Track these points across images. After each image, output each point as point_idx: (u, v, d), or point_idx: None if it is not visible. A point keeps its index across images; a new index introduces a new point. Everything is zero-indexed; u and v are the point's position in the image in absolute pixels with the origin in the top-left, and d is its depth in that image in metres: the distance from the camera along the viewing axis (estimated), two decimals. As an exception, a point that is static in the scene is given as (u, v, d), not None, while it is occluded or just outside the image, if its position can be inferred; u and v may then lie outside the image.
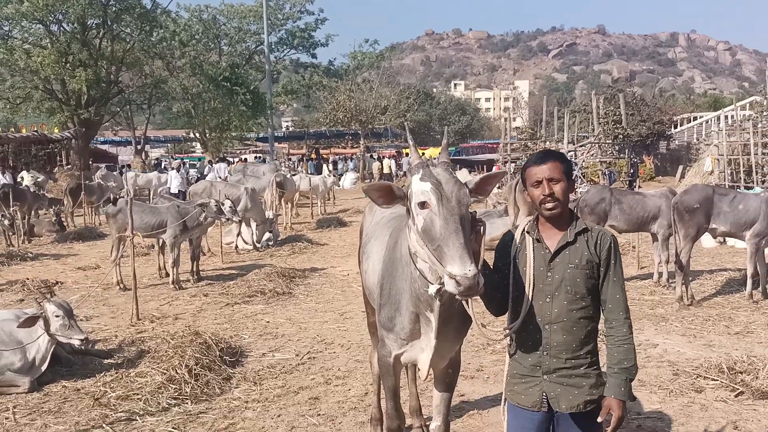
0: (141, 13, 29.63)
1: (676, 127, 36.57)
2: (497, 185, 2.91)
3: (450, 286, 2.42)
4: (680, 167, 29.60)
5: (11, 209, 13.54)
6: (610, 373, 2.67)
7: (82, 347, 5.85)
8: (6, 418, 4.97)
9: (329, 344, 6.82)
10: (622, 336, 2.68)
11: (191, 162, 36.90)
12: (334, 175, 28.33)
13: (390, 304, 3.20)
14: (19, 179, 22.78)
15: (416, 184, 2.64)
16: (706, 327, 7.15)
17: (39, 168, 29.04)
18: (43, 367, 5.65)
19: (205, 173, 28.51)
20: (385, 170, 34.41)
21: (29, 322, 5.55)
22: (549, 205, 2.68)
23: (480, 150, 48.22)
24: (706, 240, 11.68)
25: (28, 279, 9.97)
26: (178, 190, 18.27)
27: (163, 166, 34.75)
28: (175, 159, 38.98)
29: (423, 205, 2.58)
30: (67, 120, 30.25)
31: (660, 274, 9.29)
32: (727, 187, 16.84)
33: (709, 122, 33.98)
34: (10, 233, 13.56)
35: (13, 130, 33.62)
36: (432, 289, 2.69)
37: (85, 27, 29.30)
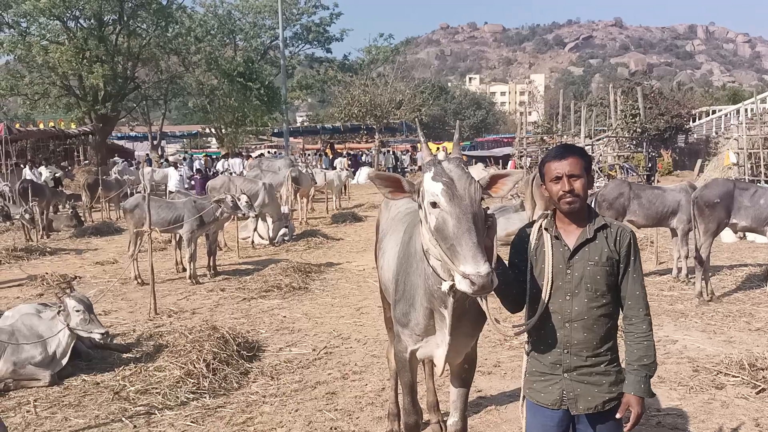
0: (157, 9, 29.77)
1: (694, 121, 36.11)
2: (514, 185, 2.84)
3: (463, 286, 2.41)
4: (699, 161, 29.27)
5: (30, 204, 13.67)
6: (630, 369, 2.65)
7: (102, 341, 5.91)
8: (27, 411, 5.04)
9: (346, 339, 6.83)
10: (642, 333, 2.65)
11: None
12: (347, 169, 28.26)
13: (405, 299, 3.20)
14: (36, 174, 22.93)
15: (428, 184, 2.60)
16: (727, 323, 7.07)
17: (56, 163, 29.32)
18: (64, 361, 5.72)
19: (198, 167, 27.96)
20: None
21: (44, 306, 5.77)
22: (569, 200, 2.64)
23: (495, 144, 47.97)
24: (726, 235, 11.54)
25: (47, 273, 10.07)
26: (176, 189, 16.41)
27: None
28: (174, 154, 37.15)
29: (435, 204, 2.56)
30: (84, 116, 30.51)
31: (679, 270, 9.21)
32: (747, 181, 16.62)
33: (729, 115, 33.54)
34: (31, 227, 13.71)
35: (31, 125, 33.92)
36: (445, 286, 2.67)
37: (101, 23, 29.50)
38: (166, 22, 30.86)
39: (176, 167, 18.20)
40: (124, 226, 13.66)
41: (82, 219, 16.71)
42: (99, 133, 30.31)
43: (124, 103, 33.41)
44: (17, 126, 30.77)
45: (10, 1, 27.52)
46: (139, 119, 42.91)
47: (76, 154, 34.22)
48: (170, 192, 16.28)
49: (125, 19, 29.61)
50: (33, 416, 4.95)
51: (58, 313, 5.69)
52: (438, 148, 34.19)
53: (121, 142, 45.17)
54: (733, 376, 5.35)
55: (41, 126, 32.74)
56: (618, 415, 2.65)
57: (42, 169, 23.80)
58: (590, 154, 23.94)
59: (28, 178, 19.18)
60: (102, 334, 5.67)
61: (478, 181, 2.66)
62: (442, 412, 4.54)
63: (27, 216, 12.68)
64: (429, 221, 2.59)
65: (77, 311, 5.62)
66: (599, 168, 24.46)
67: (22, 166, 23.59)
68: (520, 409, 2.88)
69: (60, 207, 18.16)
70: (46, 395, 5.37)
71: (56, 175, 23.43)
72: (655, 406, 4.82)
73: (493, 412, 4.88)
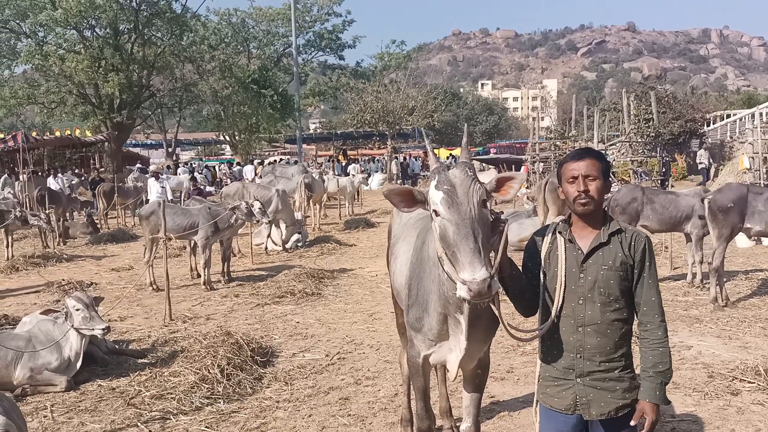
0: (171, 18, 30.00)
1: (708, 125, 35.87)
2: (520, 187, 2.86)
3: (462, 292, 2.44)
4: (713, 166, 29.04)
5: (47, 211, 13.83)
6: (645, 376, 2.64)
7: (106, 335, 6.00)
8: (44, 416, 5.09)
9: (359, 345, 6.85)
10: (657, 339, 2.64)
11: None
12: (361, 172, 28.24)
13: (418, 304, 3.21)
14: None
15: (432, 193, 2.65)
16: (742, 328, 7.01)
17: (72, 171, 29.60)
18: (78, 364, 5.77)
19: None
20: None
21: (46, 312, 5.85)
22: (582, 201, 2.65)
23: (509, 150, 47.80)
24: (741, 240, 11.45)
25: (64, 280, 10.19)
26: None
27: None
28: (157, 163, 33.92)
29: (437, 212, 2.61)
30: (100, 124, 30.79)
31: (694, 275, 9.14)
32: (762, 185, 16.47)
33: (743, 120, 33.27)
34: (50, 231, 13.85)
35: (48, 134, 34.31)
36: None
37: (117, 32, 29.78)
38: (181, 31, 31.11)
39: (157, 178, 16.08)
40: (140, 232, 13.78)
41: (98, 226, 16.87)
42: (114, 140, 30.56)
43: (140, 111, 33.66)
44: (34, 134, 31.09)
45: (27, 11, 27.87)
46: (154, 127, 43.30)
47: (92, 161, 34.53)
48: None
49: (140, 28, 29.87)
50: (50, 421, 5.00)
51: (66, 316, 5.77)
52: (449, 155, 34.10)
53: (136, 150, 45.56)
54: (749, 382, 5.31)
55: (58, 134, 33.07)
56: (633, 422, 2.64)
57: (59, 177, 24.05)
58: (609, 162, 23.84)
59: (52, 187, 19.37)
60: (103, 329, 5.74)
61: (482, 183, 2.67)
62: (454, 417, 4.55)
63: (43, 222, 12.78)
64: (435, 229, 2.64)
65: (77, 310, 5.70)
66: (613, 173, 24.35)
67: (40, 174, 23.84)
68: (534, 415, 2.88)
69: (75, 213, 18.33)
70: (63, 400, 5.43)
71: (72, 183, 23.70)
72: (669, 412, 4.80)
73: (506, 418, 4.88)
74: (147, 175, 21.73)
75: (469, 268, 2.41)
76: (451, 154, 39.51)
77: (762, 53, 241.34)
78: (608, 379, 2.64)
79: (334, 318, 7.99)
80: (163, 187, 14.89)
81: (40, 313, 5.86)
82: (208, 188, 26.96)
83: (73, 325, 5.71)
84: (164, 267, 8.26)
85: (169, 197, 15.07)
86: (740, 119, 33.76)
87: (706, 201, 8.10)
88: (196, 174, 24.43)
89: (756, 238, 11.11)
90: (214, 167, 38.28)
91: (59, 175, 23.66)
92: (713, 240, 8.01)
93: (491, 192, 2.76)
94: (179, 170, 30.32)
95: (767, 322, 7.22)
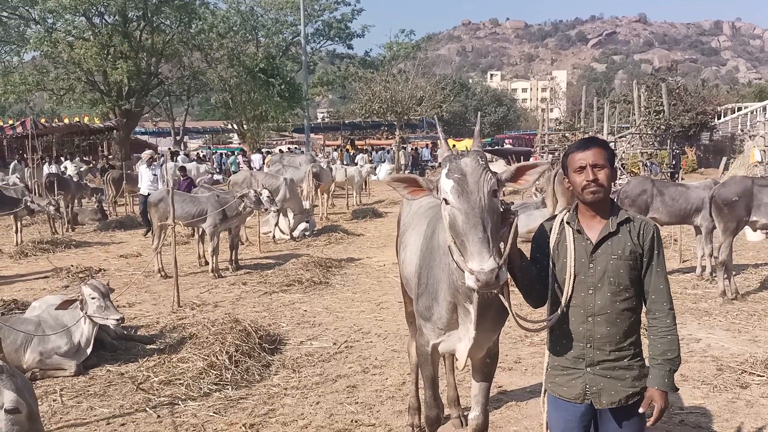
0: (180, 5, 30.01)
1: (719, 118, 35.60)
2: (539, 176, 2.82)
3: (470, 282, 2.44)
4: (723, 159, 28.82)
5: (56, 197, 13.88)
6: (653, 364, 2.64)
7: (117, 327, 6.00)
8: (54, 400, 5.13)
9: (366, 333, 6.86)
10: (666, 327, 2.64)
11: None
12: (369, 162, 28.20)
13: (427, 293, 3.21)
14: (63, 168, 23.17)
15: (442, 181, 2.64)
16: (752, 322, 6.98)
17: (80, 158, 29.71)
18: (88, 350, 5.81)
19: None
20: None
21: (65, 304, 5.77)
22: (592, 190, 2.63)
23: (518, 141, 47.63)
24: (751, 233, 11.37)
25: (72, 266, 10.24)
26: (148, 192, 12.95)
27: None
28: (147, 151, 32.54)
29: (447, 201, 2.59)
30: (109, 111, 30.88)
31: (703, 268, 9.10)
32: (773, 179, 16.33)
33: (755, 112, 33.00)
34: (59, 217, 13.89)
35: (57, 120, 34.45)
36: None
37: (126, 19, 29.83)
38: (189, 19, 31.11)
39: (149, 165, 14.67)
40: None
41: (107, 212, 16.93)
42: (123, 128, 30.66)
43: (148, 99, 33.75)
44: (43, 121, 31.20)
45: (36, -2, 27.95)
46: (163, 115, 43.38)
47: (100, 148, 34.66)
48: (142, 195, 13.63)
49: (149, 15, 29.90)
50: (59, 405, 5.05)
51: (81, 303, 5.78)
52: (453, 146, 33.95)
53: (144, 137, 45.62)
54: (758, 376, 5.29)
55: (66, 121, 33.18)
56: (641, 410, 2.65)
57: (67, 163, 24.11)
58: (613, 150, 23.72)
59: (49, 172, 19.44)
60: (117, 319, 5.75)
61: (495, 173, 2.65)
62: (462, 406, 4.55)
63: (52, 208, 12.81)
64: (444, 217, 2.63)
65: (93, 298, 5.71)
66: (622, 165, 24.22)
67: (46, 160, 23.94)
68: (542, 404, 2.88)
69: (84, 200, 18.39)
70: (72, 385, 5.47)
71: (80, 169, 23.76)
72: (678, 405, 4.79)
73: (514, 408, 4.88)
74: (138, 163, 21.43)
75: (477, 258, 2.40)
76: (454, 146, 39.34)
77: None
78: (618, 367, 2.65)
79: (342, 307, 8.00)
80: (155, 174, 14.59)
81: (56, 309, 5.84)
82: (216, 176, 26.94)
83: (87, 313, 5.74)
84: (172, 254, 8.29)
85: (161, 186, 14.38)
86: (751, 112, 33.52)
87: (710, 195, 8.05)
88: (188, 165, 23.88)
89: (765, 231, 11.02)
90: (205, 156, 37.06)
91: (66, 162, 23.68)
92: (719, 233, 7.96)
93: (507, 181, 2.75)
94: (179, 158, 30.31)
95: (777, 315, 7.17)
